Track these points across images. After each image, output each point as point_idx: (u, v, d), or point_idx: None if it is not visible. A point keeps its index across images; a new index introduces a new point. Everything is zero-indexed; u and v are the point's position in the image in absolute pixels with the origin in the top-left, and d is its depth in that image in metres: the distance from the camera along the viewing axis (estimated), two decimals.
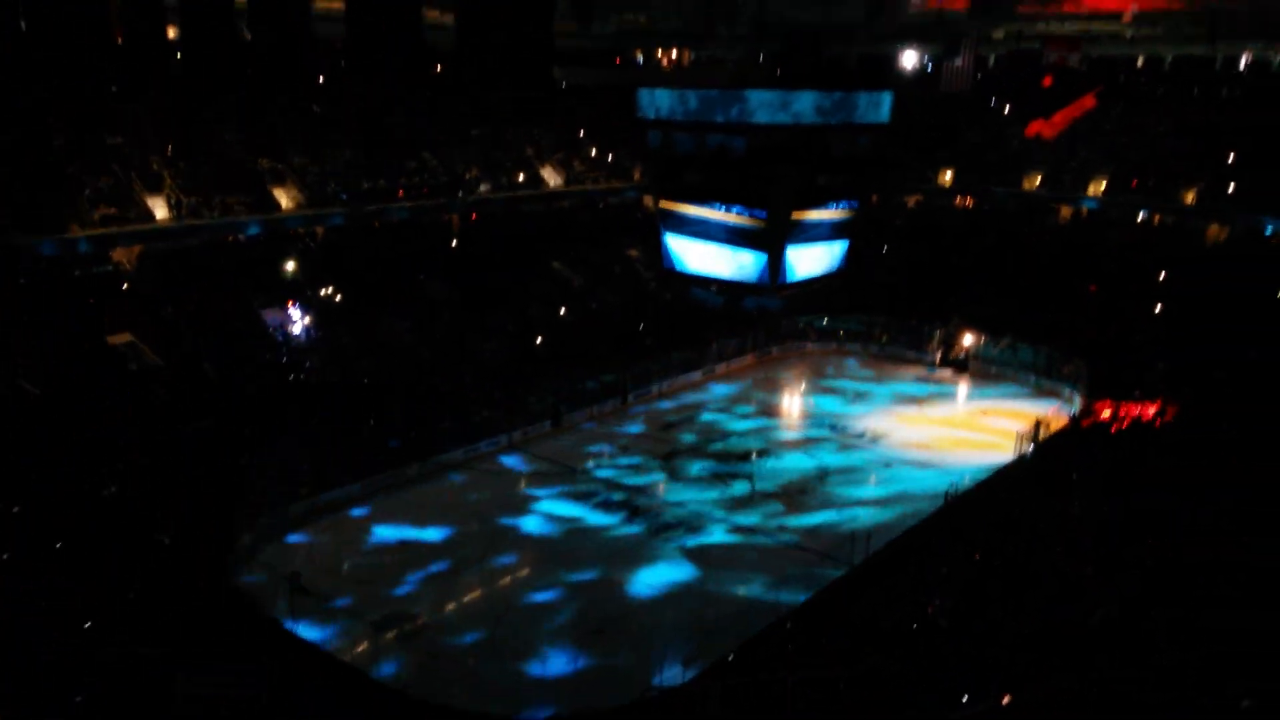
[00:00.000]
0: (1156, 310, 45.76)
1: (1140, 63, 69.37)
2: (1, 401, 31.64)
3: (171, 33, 53.19)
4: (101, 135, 43.53)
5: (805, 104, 52.38)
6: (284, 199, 46.39)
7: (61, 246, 38.08)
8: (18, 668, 20.23)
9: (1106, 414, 37.10)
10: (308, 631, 24.72)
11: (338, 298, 43.27)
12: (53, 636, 21.46)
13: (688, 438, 40.48)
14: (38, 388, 32.70)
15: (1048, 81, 65.95)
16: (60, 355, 34.31)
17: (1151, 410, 36.30)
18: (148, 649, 21.02)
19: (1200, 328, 41.45)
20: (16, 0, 43.87)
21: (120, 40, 50.23)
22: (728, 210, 50.84)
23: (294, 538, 31.10)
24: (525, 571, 29.28)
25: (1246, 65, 65.88)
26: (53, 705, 19.13)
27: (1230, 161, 53.68)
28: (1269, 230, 48.59)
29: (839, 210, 51.56)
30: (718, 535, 31.64)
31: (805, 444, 39.85)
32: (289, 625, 24.76)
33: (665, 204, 53.47)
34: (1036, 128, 61.39)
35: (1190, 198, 53.15)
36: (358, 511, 33.08)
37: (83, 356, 35.00)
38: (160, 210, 42.08)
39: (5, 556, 24.77)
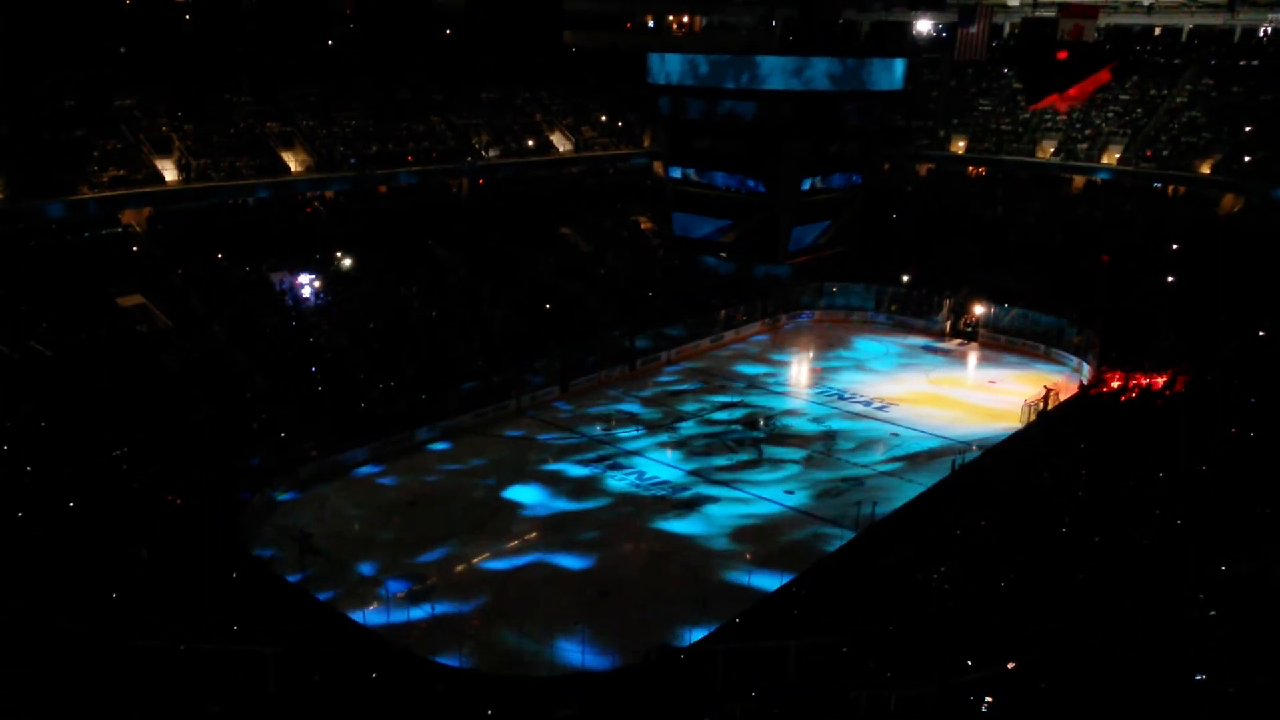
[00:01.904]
0: (1169, 281, 45.47)
1: (1157, 32, 68.41)
2: (14, 363, 31.78)
3: None
4: (110, 97, 43.36)
5: (818, 70, 51.74)
6: (292, 162, 46.25)
7: (70, 208, 38.04)
8: (31, 625, 20.45)
9: (1116, 384, 37.02)
10: (317, 591, 24.93)
11: (346, 262, 43.21)
12: (65, 594, 21.68)
13: (695, 404, 40.52)
14: (49, 349, 32.82)
15: (1062, 55, 64.82)
16: (71, 317, 34.41)
17: (1161, 381, 36.19)
18: (159, 608, 21.28)
19: (1213, 299, 41.24)
20: None
21: (128, 2, 49.95)
22: (733, 183, 50.37)
23: (304, 498, 31.32)
24: (533, 534, 29.44)
25: (1266, 35, 64.89)
26: (66, 663, 19.35)
27: (1247, 132, 53.10)
28: None
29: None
30: (725, 500, 31.73)
31: (813, 411, 39.85)
32: (299, 584, 24.99)
33: (674, 174, 53.18)
34: (1049, 102, 60.55)
35: (1206, 168, 52.66)
36: (367, 473, 33.29)
37: (93, 318, 35.09)
38: (169, 172, 42.00)
39: (19, 515, 25.00)
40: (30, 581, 21.88)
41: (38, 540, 24.04)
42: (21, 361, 31.82)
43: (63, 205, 37.80)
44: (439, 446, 35.81)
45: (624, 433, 37.34)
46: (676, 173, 52.85)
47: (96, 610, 21.27)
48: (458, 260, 46.59)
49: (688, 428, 38.00)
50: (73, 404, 30.46)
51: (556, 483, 33.04)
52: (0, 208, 36.30)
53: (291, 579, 25.24)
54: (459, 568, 27.40)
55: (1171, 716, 15.54)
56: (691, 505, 31.38)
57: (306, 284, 40.77)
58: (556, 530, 29.66)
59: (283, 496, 31.11)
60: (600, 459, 34.93)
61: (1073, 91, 60.61)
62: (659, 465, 34.47)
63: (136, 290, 37.04)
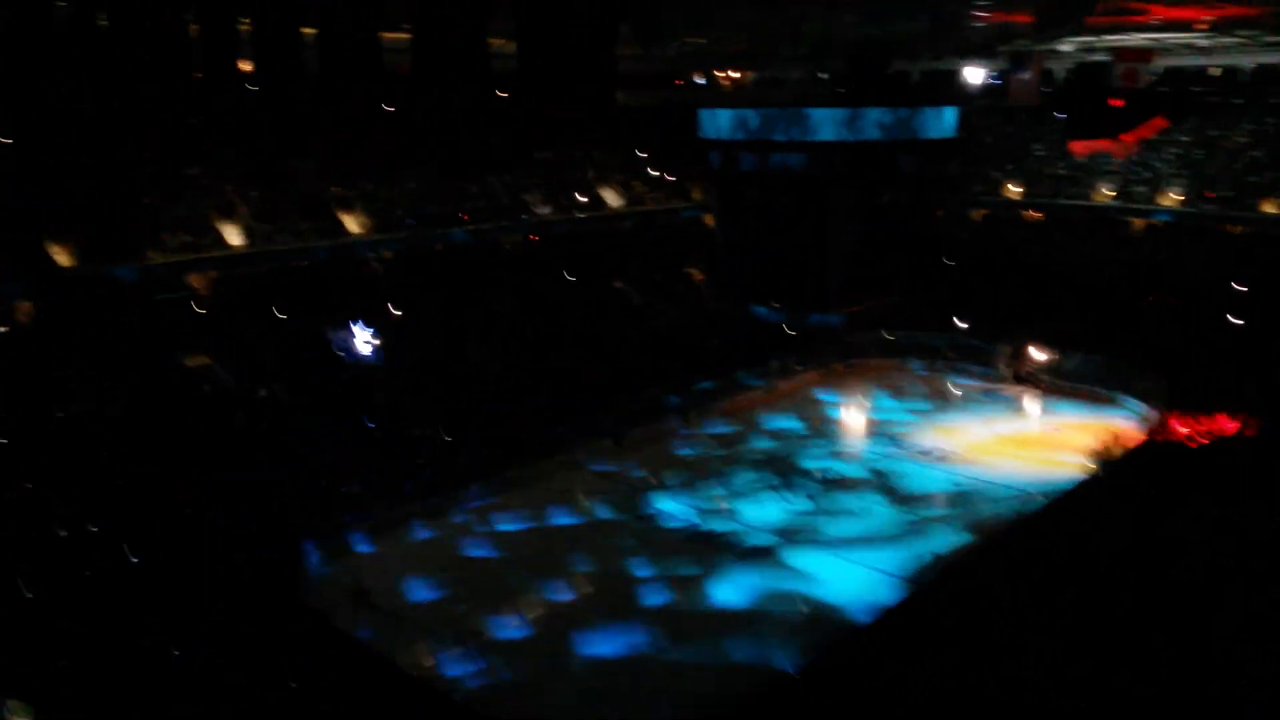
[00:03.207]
0: (1237, 324, 44.29)
1: (1216, 72, 67.57)
2: (84, 422, 32.87)
3: (246, 66, 55.02)
4: (180, 166, 45.14)
5: (869, 120, 52.15)
6: (353, 224, 47.53)
7: (140, 273, 39.50)
8: (96, 678, 20.90)
9: (1184, 430, 35.98)
10: (372, 644, 25.07)
11: (405, 319, 44.06)
12: (122, 648, 22.14)
13: (751, 455, 40.24)
14: (118, 409, 33.90)
15: (1116, 103, 64.23)
16: (139, 378, 35.55)
17: (1232, 427, 35.12)
18: (219, 662, 21.62)
19: None
20: (101, 40, 46.00)
21: (198, 76, 52.18)
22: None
23: (361, 551, 31.62)
24: (590, 589, 29.32)
25: None
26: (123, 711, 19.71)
27: None
28: None
29: None
30: (782, 552, 31.34)
31: (870, 461, 39.32)
32: (355, 638, 25.17)
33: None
34: (1098, 146, 60.10)
35: (1270, 208, 51.47)
36: (423, 528, 33.49)
37: (159, 378, 36.21)
38: (234, 237, 43.42)
39: (86, 574, 25.67)
40: (100, 634, 22.42)
41: (108, 596, 24.65)
42: (91, 421, 32.90)
43: (132, 270, 39.26)
44: (494, 500, 35.91)
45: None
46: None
47: (157, 663, 21.69)
48: (511, 314, 47.23)
49: (741, 478, 37.71)
50: (141, 463, 31.35)
51: (610, 537, 32.94)
52: (73, 273, 37.82)
53: (347, 632, 25.42)
54: (513, 621, 27.38)
55: None
56: (745, 557, 31.05)
57: (365, 340, 41.63)
58: (612, 587, 29.51)
59: (340, 551, 31.40)
60: (652, 513, 34.79)
61: (1127, 138, 60.17)
62: (711, 518, 34.22)
63: (202, 351, 38.18)
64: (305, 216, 46.29)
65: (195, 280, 41.26)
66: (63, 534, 27.24)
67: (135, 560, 26.38)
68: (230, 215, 44.18)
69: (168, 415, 34.43)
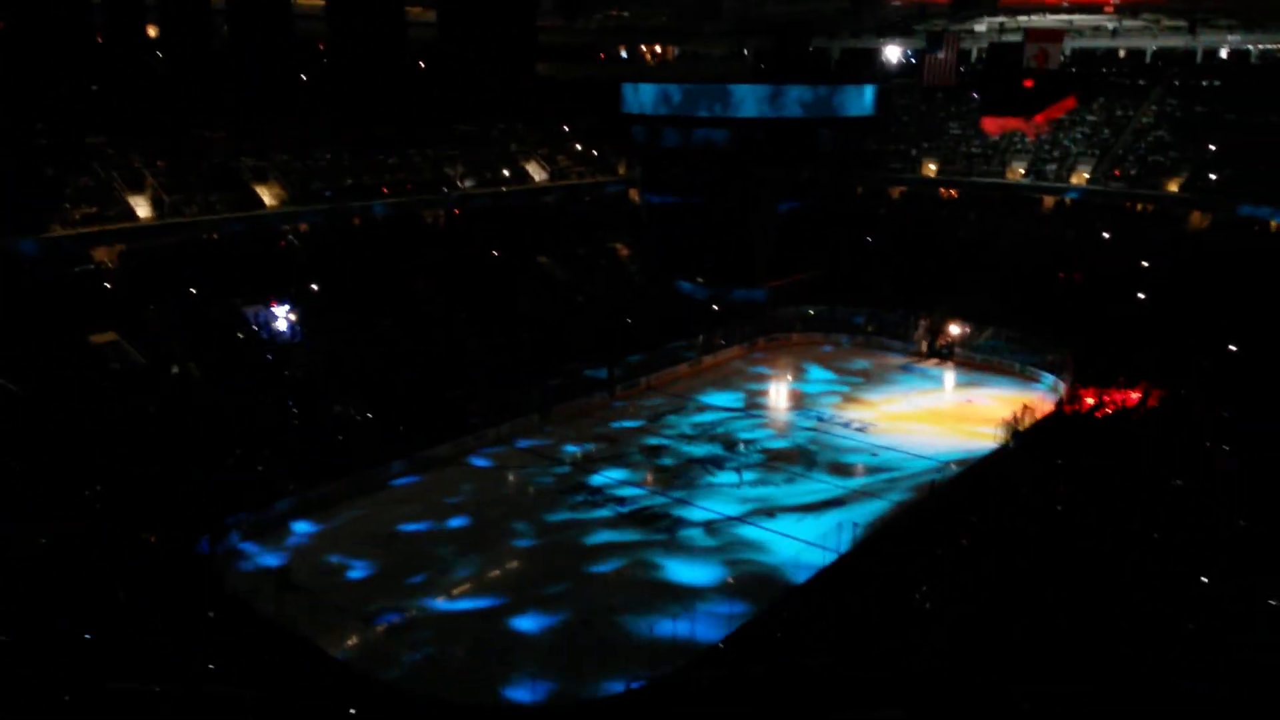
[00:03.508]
0: (1141, 298, 46.00)
1: (1122, 55, 69.79)
2: None
3: (152, 31, 52.91)
4: (83, 135, 43.26)
5: (790, 97, 52.54)
6: (267, 197, 46.24)
7: (43, 246, 37.85)
8: (5, 667, 20.11)
9: (1091, 401, 37.32)
10: (295, 627, 24.60)
11: (322, 294, 43.09)
12: (38, 635, 21.34)
13: (675, 429, 40.49)
14: (20, 387, 32.49)
15: (1029, 84, 65.88)
16: (43, 354, 34.10)
17: (1136, 397, 36.55)
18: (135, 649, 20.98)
19: (1185, 315, 41.79)
20: None
21: (101, 40, 50.01)
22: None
23: (282, 533, 30.96)
24: (515, 563, 29.27)
25: (1228, 56, 66.33)
26: (41, 701, 19.01)
27: (1212, 151, 53.99)
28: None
29: None
30: (712, 525, 31.65)
31: (792, 433, 39.93)
32: (278, 621, 24.67)
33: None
34: (1010, 125, 61.57)
35: (1173, 186, 53.47)
36: (346, 507, 32.94)
37: (65, 356, 34.80)
38: (142, 209, 41.89)
39: None
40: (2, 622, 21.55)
41: (12, 578, 23.70)
42: None
43: (35, 243, 37.61)
44: (417, 478, 35.50)
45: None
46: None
47: (72, 651, 20.94)
48: (433, 290, 46.56)
49: (668, 453, 37.94)
50: (45, 442, 30.13)
51: (537, 512, 32.87)
52: None
53: (269, 616, 24.90)
54: (439, 598, 27.18)
55: None
56: (674, 530, 31.29)
57: (281, 317, 40.61)
58: (537, 561, 29.50)
59: (260, 532, 30.71)
60: (580, 486, 34.81)
61: (1039, 118, 61.77)
62: (639, 491, 34.39)
63: (109, 327, 36.80)
64: (216, 188, 44.87)
65: (101, 253, 39.73)
66: None
67: (42, 544, 25.41)
68: (138, 186, 42.60)
69: (75, 393, 33.13)
